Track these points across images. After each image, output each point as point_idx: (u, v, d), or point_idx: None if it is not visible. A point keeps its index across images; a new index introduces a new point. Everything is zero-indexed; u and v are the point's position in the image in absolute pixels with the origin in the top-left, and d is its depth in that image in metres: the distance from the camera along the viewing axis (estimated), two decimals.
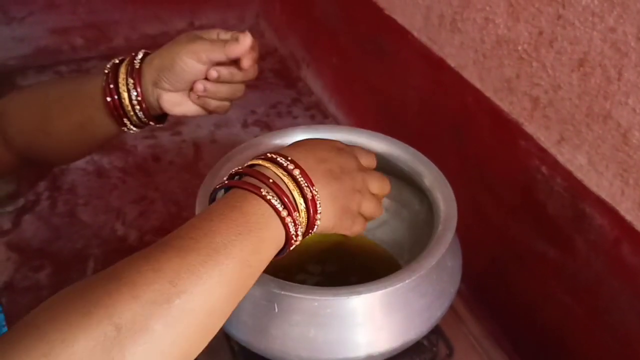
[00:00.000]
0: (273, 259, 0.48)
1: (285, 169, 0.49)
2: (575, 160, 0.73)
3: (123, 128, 0.66)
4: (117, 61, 0.64)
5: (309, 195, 0.49)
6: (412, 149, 0.71)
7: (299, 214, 0.48)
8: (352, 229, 0.55)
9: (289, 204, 0.47)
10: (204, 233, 0.44)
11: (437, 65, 0.96)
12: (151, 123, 0.66)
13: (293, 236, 0.48)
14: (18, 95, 0.67)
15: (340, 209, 0.52)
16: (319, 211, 0.50)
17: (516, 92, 0.80)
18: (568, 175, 0.74)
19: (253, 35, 0.63)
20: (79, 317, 0.37)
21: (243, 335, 0.60)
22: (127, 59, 0.64)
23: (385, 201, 0.77)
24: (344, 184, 0.52)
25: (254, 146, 0.71)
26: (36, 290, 1.08)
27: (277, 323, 0.58)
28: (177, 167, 1.34)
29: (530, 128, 0.79)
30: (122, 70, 0.63)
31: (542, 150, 0.77)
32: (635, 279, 0.68)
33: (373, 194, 0.56)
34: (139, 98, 0.63)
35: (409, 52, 1.04)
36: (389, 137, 0.72)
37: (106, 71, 0.64)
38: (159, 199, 1.24)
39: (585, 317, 0.77)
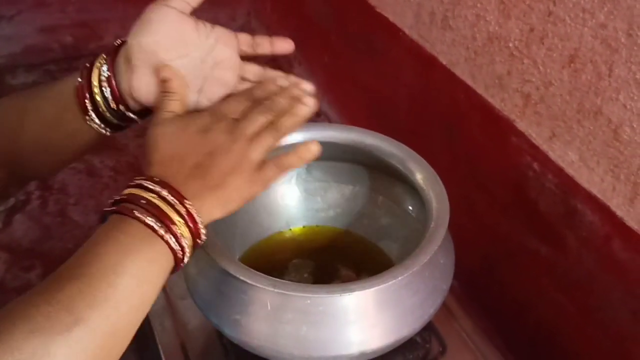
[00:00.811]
0: (174, 271, 0.50)
1: (153, 191, 0.49)
2: (567, 156, 0.73)
3: (86, 117, 0.59)
4: (93, 59, 0.60)
5: (183, 211, 0.49)
6: (404, 146, 0.71)
7: (179, 228, 0.49)
8: (254, 189, 0.54)
9: (166, 221, 0.48)
10: (94, 257, 0.45)
11: (429, 62, 0.96)
12: (129, 114, 0.59)
13: (178, 251, 0.49)
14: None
15: (224, 194, 0.52)
16: (198, 221, 0.50)
17: (507, 88, 0.80)
18: (559, 172, 0.74)
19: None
20: None
21: (235, 333, 0.60)
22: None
23: (378, 198, 0.77)
24: (219, 167, 0.52)
25: None
26: (27, 290, 1.08)
27: (269, 321, 0.58)
28: None
29: (521, 125, 0.79)
30: (97, 64, 0.59)
31: (534, 147, 0.78)
32: (627, 275, 0.68)
33: (264, 135, 0.54)
34: (109, 73, 0.58)
35: (401, 49, 1.04)
36: (381, 135, 0.72)
37: (81, 70, 0.60)
38: None
39: (577, 313, 0.77)
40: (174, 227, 0.48)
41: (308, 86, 0.60)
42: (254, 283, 0.56)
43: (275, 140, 0.54)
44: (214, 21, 0.62)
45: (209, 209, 0.51)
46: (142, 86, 0.57)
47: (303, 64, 1.54)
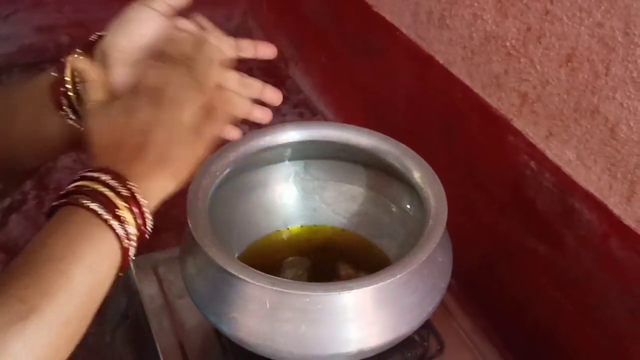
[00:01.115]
0: (124, 265, 0.49)
1: (95, 179, 0.48)
2: (564, 155, 0.73)
3: (62, 112, 0.59)
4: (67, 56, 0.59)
5: (126, 193, 0.48)
6: (401, 145, 0.71)
7: (122, 212, 0.48)
8: (199, 151, 0.53)
9: (110, 206, 0.47)
10: (44, 248, 0.45)
11: (426, 62, 0.96)
12: None
13: (123, 237, 0.48)
14: None
15: (170, 166, 0.51)
16: (143, 204, 0.49)
17: (505, 87, 0.80)
18: (557, 171, 0.75)
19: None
20: None
21: (234, 331, 0.60)
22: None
23: (376, 197, 0.77)
24: (155, 142, 0.50)
25: (242, 144, 0.71)
26: None
27: (268, 319, 0.58)
28: None
29: (518, 124, 0.79)
30: (71, 59, 0.58)
31: (531, 146, 0.78)
32: (624, 273, 0.69)
33: (188, 94, 0.52)
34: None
35: (398, 49, 1.04)
36: (379, 133, 0.72)
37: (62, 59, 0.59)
38: None
39: (575, 312, 0.77)
40: (118, 212, 0.47)
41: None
42: (252, 281, 0.56)
43: (202, 94, 0.53)
44: (210, 21, 0.61)
45: (161, 185, 0.51)
46: (118, 84, 0.56)
47: (300, 63, 1.54)
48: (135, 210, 0.48)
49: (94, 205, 0.47)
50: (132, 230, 0.48)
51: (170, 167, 0.51)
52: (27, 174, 0.71)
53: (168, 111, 0.51)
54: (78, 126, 0.60)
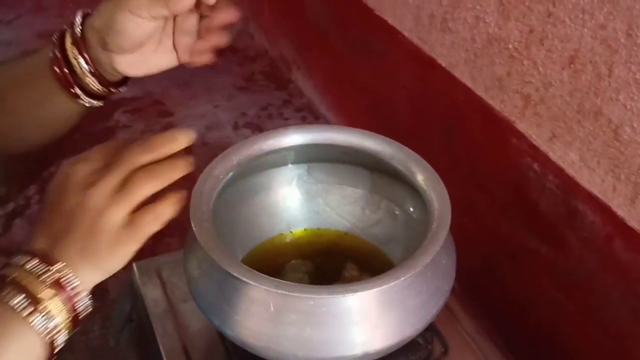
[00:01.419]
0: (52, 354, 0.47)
1: (21, 267, 0.47)
2: (567, 157, 0.73)
3: (77, 100, 0.60)
4: (65, 27, 0.59)
5: (50, 280, 0.46)
6: (404, 148, 0.71)
7: (47, 302, 0.46)
8: (129, 247, 0.50)
9: (33, 299, 0.45)
10: None
11: (428, 64, 0.96)
12: (111, 89, 0.61)
13: (46, 331, 0.46)
14: None
15: (94, 255, 0.49)
16: (71, 286, 0.47)
17: (507, 90, 0.80)
18: (560, 172, 0.75)
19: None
20: None
21: (238, 335, 0.60)
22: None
23: (379, 200, 0.77)
24: (79, 229, 0.48)
25: (245, 148, 0.71)
26: None
27: (272, 322, 0.58)
28: None
29: (521, 126, 0.80)
30: (68, 37, 0.58)
31: (534, 148, 0.78)
32: (628, 275, 0.69)
33: (119, 197, 0.50)
34: (89, 65, 0.58)
35: (400, 52, 1.04)
36: (382, 136, 0.72)
37: (54, 39, 0.59)
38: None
39: (578, 313, 0.77)
40: (40, 306, 0.46)
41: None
42: (256, 284, 0.56)
43: (133, 198, 0.50)
44: None
45: (86, 273, 0.49)
46: (126, 68, 0.58)
47: (302, 67, 1.54)
48: (63, 295, 0.47)
49: (15, 300, 0.45)
50: (60, 319, 0.47)
51: (94, 257, 0.49)
52: (32, 149, 0.71)
53: (96, 206, 0.49)
54: (89, 103, 0.60)
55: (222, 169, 0.67)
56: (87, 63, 0.58)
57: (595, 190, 0.71)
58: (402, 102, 1.09)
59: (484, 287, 0.93)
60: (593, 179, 0.71)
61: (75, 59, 0.58)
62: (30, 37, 1.64)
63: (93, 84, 0.60)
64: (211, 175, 0.66)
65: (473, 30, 0.84)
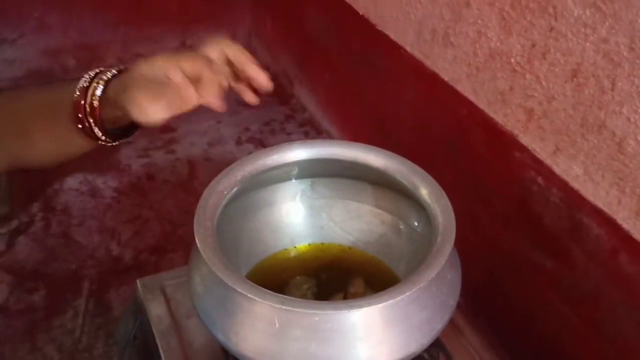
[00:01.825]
0: None
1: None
2: (571, 170, 0.73)
3: (98, 141, 0.61)
4: (97, 71, 0.60)
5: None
6: (408, 162, 0.71)
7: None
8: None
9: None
10: None
11: (431, 79, 0.96)
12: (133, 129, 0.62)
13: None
14: None
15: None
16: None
17: (510, 104, 0.80)
18: (564, 186, 0.74)
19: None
20: None
21: (243, 351, 0.59)
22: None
23: (383, 214, 0.77)
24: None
25: (249, 163, 0.71)
26: (31, 312, 1.07)
27: (277, 338, 0.57)
28: (172, 186, 1.33)
29: (525, 139, 0.80)
30: (93, 88, 0.59)
31: (538, 162, 0.78)
32: (634, 288, 0.68)
33: None
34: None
35: (402, 67, 1.05)
36: (386, 151, 0.72)
37: (83, 83, 0.59)
38: (153, 218, 1.23)
39: (583, 327, 0.77)
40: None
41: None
42: (261, 300, 0.56)
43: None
44: None
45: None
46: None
47: (304, 82, 1.55)
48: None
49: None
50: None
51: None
52: (37, 169, 0.71)
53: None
54: (110, 143, 0.61)
55: (226, 184, 0.67)
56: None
57: (600, 204, 0.70)
58: (405, 116, 1.09)
59: (489, 301, 0.93)
60: (597, 192, 0.70)
61: (98, 110, 0.58)
62: (34, 55, 1.65)
63: (114, 131, 0.60)
64: (215, 190, 0.66)
65: (475, 45, 0.84)
